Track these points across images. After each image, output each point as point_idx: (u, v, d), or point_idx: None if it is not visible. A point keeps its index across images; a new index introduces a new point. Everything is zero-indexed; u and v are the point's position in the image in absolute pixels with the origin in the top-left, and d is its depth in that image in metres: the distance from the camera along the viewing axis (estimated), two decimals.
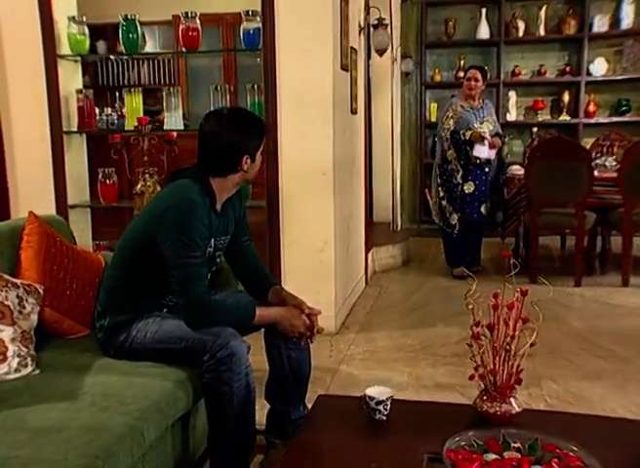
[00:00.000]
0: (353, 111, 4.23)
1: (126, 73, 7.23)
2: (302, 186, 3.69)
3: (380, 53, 4.82)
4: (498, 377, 1.96)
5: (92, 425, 1.61)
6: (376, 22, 4.69)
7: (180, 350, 2.04)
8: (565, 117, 7.08)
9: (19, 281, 2.07)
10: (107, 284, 2.17)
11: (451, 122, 4.86)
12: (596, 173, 5.01)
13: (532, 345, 1.97)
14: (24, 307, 2.03)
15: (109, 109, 4.31)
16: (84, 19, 3.79)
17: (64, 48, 3.78)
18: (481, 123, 4.88)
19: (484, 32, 7.13)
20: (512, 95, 7.17)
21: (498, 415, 1.92)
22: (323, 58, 3.57)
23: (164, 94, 3.76)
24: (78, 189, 3.98)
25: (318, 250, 3.74)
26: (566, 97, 7.09)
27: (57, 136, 3.74)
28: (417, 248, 6.28)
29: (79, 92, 3.82)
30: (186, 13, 3.67)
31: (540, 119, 7.16)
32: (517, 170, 5.39)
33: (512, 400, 1.96)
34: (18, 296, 2.01)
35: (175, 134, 3.48)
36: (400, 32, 7.16)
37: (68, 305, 2.27)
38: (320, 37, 3.56)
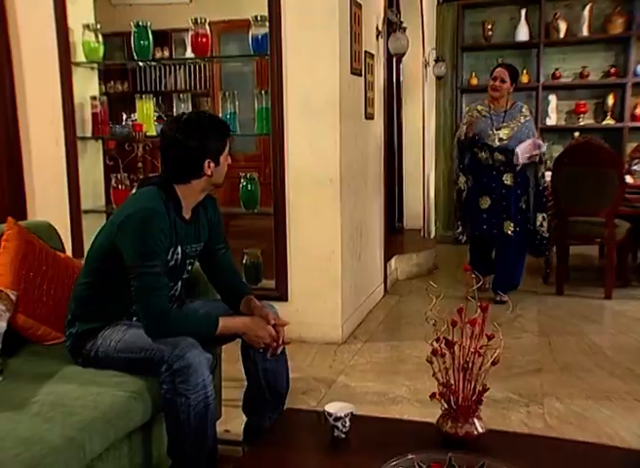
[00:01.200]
0: (368, 116, 4.15)
1: (163, 79, 7.33)
2: (309, 193, 3.64)
3: (398, 57, 4.71)
4: (458, 396, 1.86)
5: (28, 436, 1.59)
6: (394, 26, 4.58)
7: (139, 360, 2.02)
8: (609, 121, 6.80)
9: None
10: (77, 292, 2.17)
11: (463, 128, 4.44)
12: (631, 179, 4.78)
13: (494, 364, 1.87)
14: None
15: (135, 115, 4.37)
16: (98, 26, 3.84)
17: (80, 55, 3.84)
18: (497, 129, 4.34)
19: (523, 34, 6.91)
20: (552, 98, 6.93)
21: (459, 436, 1.83)
22: (330, 62, 3.51)
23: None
24: (93, 194, 4.04)
25: (325, 258, 3.68)
26: (610, 100, 6.81)
27: (70, 141, 3.80)
28: (448, 255, 6.14)
29: (93, 98, 3.87)
30: (196, 19, 3.68)
31: (581, 123, 6.89)
32: (547, 176, 5.19)
33: (476, 420, 1.86)
34: None
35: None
36: (435, 35, 7.04)
37: (44, 312, 2.28)
38: (327, 42, 3.50)
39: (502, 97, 4.34)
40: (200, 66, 7.24)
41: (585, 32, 6.76)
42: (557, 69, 6.91)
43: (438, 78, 6.73)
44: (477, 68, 7.15)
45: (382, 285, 4.79)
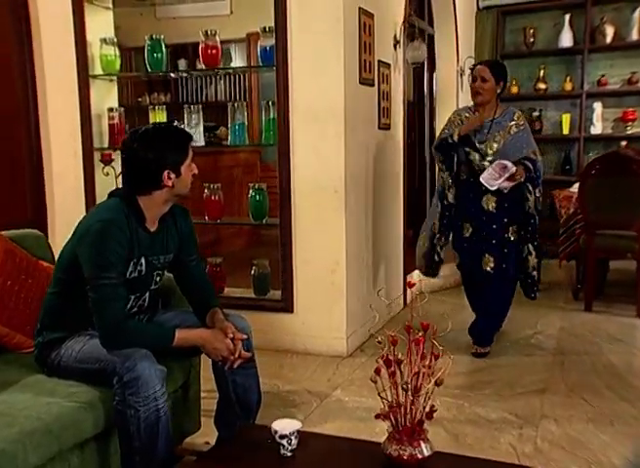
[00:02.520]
0: (383, 127, 4.08)
1: (204, 90, 7.46)
2: (314, 204, 3.60)
3: (415, 66, 4.62)
4: (401, 418, 1.79)
5: None
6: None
7: (94, 371, 2.02)
8: None
9: None
10: (45, 301, 2.20)
11: (442, 133, 3.63)
12: None
13: (437, 384, 1.79)
14: None
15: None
16: (115, 40, 3.93)
17: (98, 68, 3.94)
18: (481, 142, 3.45)
19: (567, 40, 6.68)
20: (597, 106, 6.65)
21: (403, 459, 1.76)
22: (335, 72, 3.48)
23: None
24: None
25: (329, 270, 3.64)
26: None
27: (88, 152, 3.90)
28: None
29: (110, 110, 3.95)
30: (206, 31, 3.71)
31: (629, 131, 6.60)
32: (575, 188, 4.98)
33: (422, 442, 1.78)
34: None
35: None
36: (474, 43, 6.89)
37: (20, 320, 2.32)
38: (332, 52, 3.47)
39: (488, 103, 3.45)
40: (239, 77, 7.34)
41: (635, 36, 6.47)
42: (603, 76, 6.64)
43: None
44: (518, 76, 6.95)
45: (402, 297, 4.69)
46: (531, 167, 3.43)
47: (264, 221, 3.76)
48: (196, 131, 3.77)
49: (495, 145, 3.46)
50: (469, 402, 3.09)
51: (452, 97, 6.17)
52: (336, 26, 3.46)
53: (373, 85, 3.89)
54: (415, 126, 5.98)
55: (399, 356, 1.84)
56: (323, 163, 3.55)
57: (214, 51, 3.70)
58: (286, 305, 3.71)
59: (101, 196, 3.99)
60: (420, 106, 5.98)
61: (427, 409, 1.81)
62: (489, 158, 3.44)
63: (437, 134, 6.20)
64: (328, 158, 3.54)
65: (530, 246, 3.54)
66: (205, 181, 3.93)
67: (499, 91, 3.47)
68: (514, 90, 6.87)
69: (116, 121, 3.92)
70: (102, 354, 2.02)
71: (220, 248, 4.59)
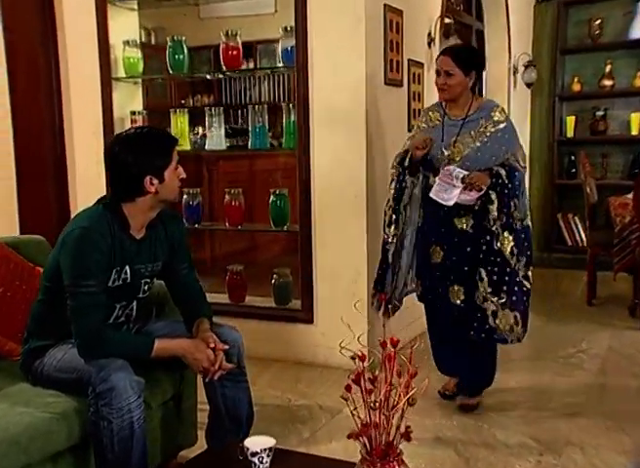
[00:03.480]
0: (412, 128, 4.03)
1: (248, 91, 7.56)
2: (335, 210, 3.59)
3: None
4: (375, 438, 1.76)
5: None
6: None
7: (71, 381, 2.08)
8: None
9: None
10: (32, 309, 2.26)
11: (406, 144, 3.08)
12: None
13: (410, 404, 1.75)
14: None
15: (200, 129, 4.52)
16: (137, 42, 4.04)
17: (122, 71, 4.06)
18: (447, 147, 2.92)
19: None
20: None
21: None
22: (357, 73, 3.46)
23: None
24: None
25: (351, 279, 3.62)
26: None
27: None
28: (537, 279, 5.79)
29: (133, 113, 4.06)
30: (227, 31, 3.77)
31: None
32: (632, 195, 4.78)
33: (396, 465, 1.75)
34: None
35: None
36: (532, 38, 6.72)
37: (12, 327, 2.40)
38: (354, 52, 3.45)
39: (460, 97, 2.92)
40: (284, 77, 7.40)
41: None
42: None
43: (528, 85, 6.40)
44: (581, 73, 6.73)
45: None
46: (502, 172, 2.84)
47: (285, 228, 3.78)
48: (216, 134, 3.83)
49: (464, 150, 2.90)
50: (490, 423, 3.01)
51: (502, 96, 6.04)
52: (357, 25, 3.44)
53: (401, 85, 3.85)
54: None
55: (376, 372, 1.82)
56: (344, 167, 3.54)
57: (234, 52, 3.75)
58: (306, 316, 3.72)
59: None
60: None
61: (403, 430, 1.77)
62: (464, 161, 2.91)
63: None
64: (349, 162, 3.53)
65: (482, 270, 2.88)
66: (239, 186, 4.00)
67: (471, 83, 2.92)
68: (576, 88, 6.66)
69: (139, 124, 4.01)
70: (80, 364, 2.07)
71: (241, 255, 4.64)
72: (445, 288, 3.00)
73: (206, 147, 3.90)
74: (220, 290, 3.97)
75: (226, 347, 2.22)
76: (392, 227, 3.03)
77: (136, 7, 4.13)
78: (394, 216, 3.03)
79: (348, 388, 1.80)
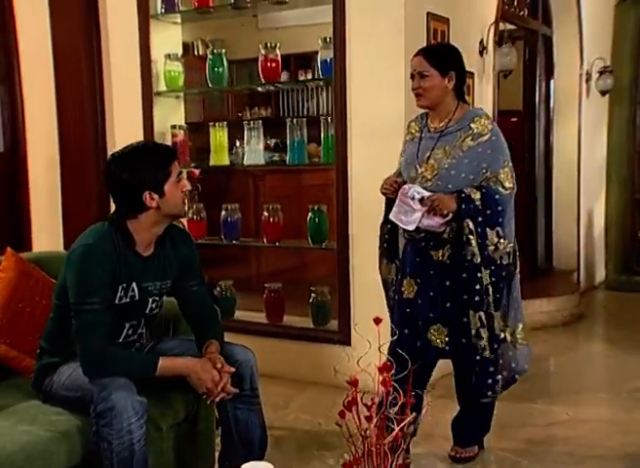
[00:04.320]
0: None
1: (305, 103, 7.65)
2: (374, 228, 3.56)
3: (505, 74, 4.48)
4: None
5: None
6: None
7: (76, 399, 2.14)
8: None
9: None
10: (46, 326, 2.36)
11: (397, 165, 2.88)
12: None
13: (403, 437, 1.72)
14: None
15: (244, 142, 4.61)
16: (179, 55, 4.17)
17: (163, 85, 4.20)
18: (421, 164, 2.66)
19: None
20: None
21: None
22: (396, 85, 3.45)
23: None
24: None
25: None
26: None
27: None
28: (614, 304, 5.65)
29: (173, 127, 4.18)
30: (266, 43, 3.84)
31: None
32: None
33: None
34: None
35: (197, 171, 3.65)
36: (612, 42, 6.52)
37: (30, 343, 2.49)
38: (393, 63, 3.46)
39: (440, 104, 2.66)
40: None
41: None
42: None
43: (602, 93, 6.21)
44: None
45: None
46: (475, 196, 2.54)
47: (323, 245, 3.80)
48: (255, 148, 3.89)
49: (437, 167, 2.61)
50: (530, 459, 2.92)
51: (572, 105, 5.89)
52: (397, 35, 3.45)
53: None
54: (524, 140, 5.78)
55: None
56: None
57: (273, 64, 3.82)
58: (343, 337, 3.70)
59: None
60: (530, 118, 5.77)
61: (400, 463, 1.76)
62: (428, 185, 2.62)
63: (553, 148, 6.00)
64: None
65: (481, 314, 2.60)
66: (283, 201, 4.05)
67: (450, 85, 2.62)
68: None
69: (179, 139, 4.13)
70: (85, 382, 2.13)
71: (280, 272, 4.69)
72: (422, 327, 2.69)
73: (244, 162, 3.97)
74: (257, 308, 4.02)
75: (233, 370, 2.25)
76: (384, 264, 2.90)
77: (179, 21, 4.26)
78: (380, 252, 2.91)
79: (342, 414, 1.80)
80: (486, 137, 2.60)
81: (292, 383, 3.75)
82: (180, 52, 4.25)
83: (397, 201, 2.64)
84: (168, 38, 4.23)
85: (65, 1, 4.22)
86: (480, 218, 2.55)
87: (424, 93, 2.63)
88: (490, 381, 2.68)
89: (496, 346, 2.66)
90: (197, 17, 4.28)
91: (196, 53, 7.18)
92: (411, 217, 2.59)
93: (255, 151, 3.92)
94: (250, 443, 2.39)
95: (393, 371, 1.88)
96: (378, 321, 1.94)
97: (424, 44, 3.62)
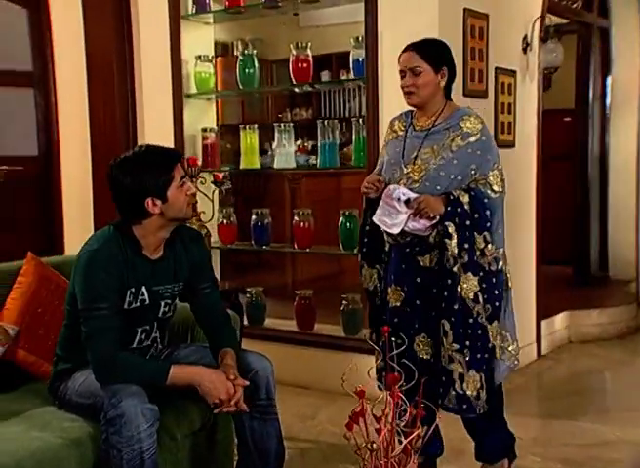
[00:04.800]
0: (501, 144, 3.94)
1: (347, 104, 7.67)
2: None
3: (549, 72, 4.42)
4: None
5: None
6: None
7: (87, 406, 2.21)
8: None
9: None
10: (60, 332, 2.43)
11: (377, 167, 2.82)
12: None
13: (413, 450, 1.73)
14: None
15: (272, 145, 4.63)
16: (210, 57, 4.24)
17: (194, 87, 4.28)
18: (406, 164, 2.58)
19: None
20: None
21: None
22: None
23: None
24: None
25: None
26: None
27: None
28: None
29: (204, 130, 4.26)
30: (297, 43, 3.88)
31: None
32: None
33: None
34: None
35: (221, 175, 3.69)
36: None
37: (48, 349, 2.58)
38: None
39: (430, 102, 2.60)
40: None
41: None
42: None
43: None
44: None
45: (535, 346, 4.48)
46: (464, 199, 2.48)
47: (355, 251, 3.80)
48: (286, 151, 3.93)
49: (424, 168, 2.54)
50: None
51: (632, 103, 5.77)
52: (430, 33, 3.41)
53: (485, 97, 3.81)
54: (577, 140, 5.69)
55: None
56: None
57: (305, 65, 3.85)
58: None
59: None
60: (583, 116, 5.68)
61: None
62: (414, 187, 2.53)
63: (609, 148, 5.89)
64: None
65: (445, 322, 2.51)
66: (317, 205, 4.09)
67: (442, 83, 2.58)
68: None
69: (210, 141, 4.20)
70: (97, 389, 2.19)
71: (311, 279, 4.72)
72: (409, 338, 2.53)
73: (275, 166, 4.02)
74: (288, 315, 4.06)
75: (247, 383, 2.27)
76: (364, 269, 2.79)
77: (211, 21, 4.34)
78: (360, 259, 2.80)
79: (350, 426, 1.81)
80: (475, 138, 2.54)
81: (321, 393, 3.77)
82: (211, 53, 4.33)
83: (381, 202, 2.53)
84: (199, 39, 4.32)
85: (98, 4, 4.35)
86: (468, 222, 2.49)
87: (417, 90, 2.57)
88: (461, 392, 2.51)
89: (487, 356, 2.56)
90: (231, 16, 4.34)
91: (236, 53, 7.30)
92: (395, 220, 2.50)
93: (286, 154, 3.96)
94: (266, 454, 2.41)
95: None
96: (386, 330, 1.94)
97: (461, 42, 3.62)
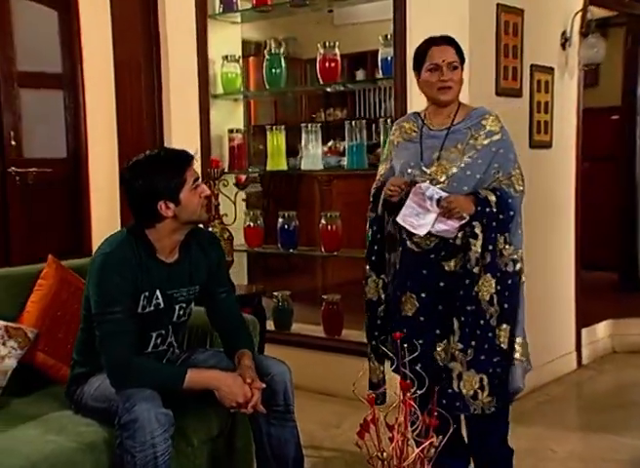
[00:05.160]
0: (537, 145, 3.93)
1: (383, 103, 7.68)
2: None
3: (590, 68, 4.36)
4: None
5: None
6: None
7: (102, 410, 2.25)
8: None
9: (3, 323, 2.50)
10: (77, 336, 2.49)
11: (381, 171, 2.75)
12: None
13: (425, 459, 1.73)
14: None
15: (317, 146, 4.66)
16: (236, 57, 4.29)
17: (220, 87, 4.33)
18: (428, 165, 2.54)
19: None
20: None
21: None
22: None
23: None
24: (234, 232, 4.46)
25: None
26: None
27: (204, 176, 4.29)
28: None
29: (230, 131, 4.30)
30: (324, 42, 3.90)
31: None
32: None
33: None
34: None
35: (244, 177, 3.72)
36: None
37: (68, 352, 2.65)
38: None
39: (454, 101, 2.61)
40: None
41: None
42: None
43: None
44: None
45: (575, 355, 4.43)
46: (492, 199, 2.47)
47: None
48: (313, 152, 3.96)
49: (450, 168, 2.52)
50: None
51: None
52: (460, 30, 3.41)
53: (519, 95, 3.78)
54: (623, 138, 5.61)
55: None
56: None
57: (332, 64, 3.87)
58: None
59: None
60: (630, 114, 5.60)
61: None
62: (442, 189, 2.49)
63: None
64: None
65: (455, 321, 2.50)
66: (352, 209, 4.10)
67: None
68: None
69: (236, 143, 4.24)
70: (112, 393, 2.24)
71: (339, 283, 4.73)
72: (425, 346, 2.48)
73: (302, 167, 4.05)
74: (315, 321, 4.08)
75: (263, 386, 2.30)
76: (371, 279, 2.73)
77: (238, 20, 4.39)
78: (369, 269, 2.73)
79: (361, 434, 1.83)
80: (497, 136, 2.55)
81: (348, 401, 3.74)
82: (238, 52, 4.37)
83: (408, 201, 2.46)
84: (226, 38, 4.37)
85: (126, 5, 4.43)
86: (494, 223, 2.47)
87: (454, 86, 2.54)
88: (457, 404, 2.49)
89: (496, 359, 2.54)
90: (260, 15, 4.37)
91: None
92: (423, 221, 2.43)
93: (313, 155, 3.98)
94: (284, 460, 2.43)
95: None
96: (397, 336, 1.95)
97: (494, 39, 3.61)
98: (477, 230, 2.45)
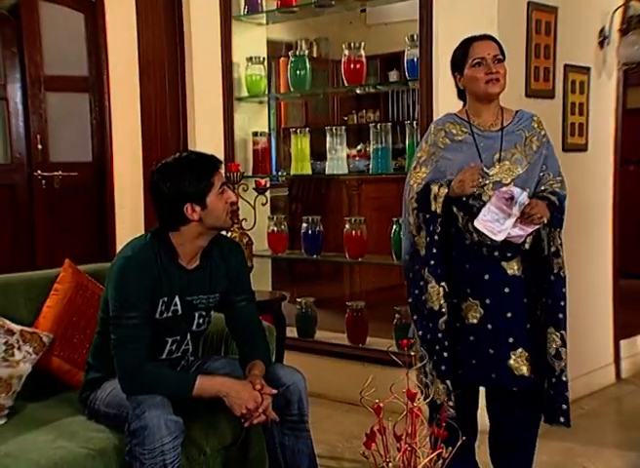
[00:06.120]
0: (570, 148, 3.89)
1: (416, 105, 7.66)
2: None
3: (630, 67, 4.30)
4: None
5: None
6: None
7: (113, 416, 2.31)
8: None
9: (19, 328, 2.59)
10: (93, 340, 2.55)
11: (421, 175, 2.62)
12: None
13: None
14: (13, 355, 2.51)
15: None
16: (261, 58, 4.33)
17: (244, 90, 4.39)
18: (489, 166, 2.55)
19: None
20: None
21: None
22: None
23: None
24: (258, 238, 4.49)
25: None
26: None
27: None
28: None
29: (255, 134, 4.35)
30: (349, 43, 3.92)
31: None
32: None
33: None
34: (7, 343, 2.53)
35: (264, 181, 3.75)
36: None
37: (84, 357, 2.71)
38: None
39: (498, 96, 2.65)
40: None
41: None
42: None
43: None
44: None
45: (613, 367, 4.38)
46: (557, 203, 2.54)
47: None
48: (338, 156, 3.99)
49: (515, 169, 2.56)
50: None
51: None
52: (488, 30, 3.40)
53: (552, 97, 3.76)
54: None
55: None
56: None
57: (358, 65, 3.90)
58: None
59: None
60: None
61: None
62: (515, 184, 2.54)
63: None
64: None
65: (562, 333, 2.56)
66: (379, 212, 4.13)
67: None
68: None
69: (261, 146, 4.29)
70: (123, 399, 2.29)
71: (363, 290, 4.74)
72: (500, 358, 2.55)
73: (326, 171, 4.08)
74: (339, 328, 4.09)
75: (274, 391, 2.34)
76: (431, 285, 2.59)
77: (264, 21, 4.44)
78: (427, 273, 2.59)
79: (368, 445, 1.84)
80: (545, 139, 2.65)
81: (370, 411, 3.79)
82: (263, 54, 4.42)
83: (488, 206, 2.43)
84: (251, 40, 4.43)
85: (151, 8, 4.51)
86: (559, 229, 2.56)
87: (502, 79, 2.59)
88: (565, 407, 2.58)
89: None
90: (287, 16, 4.42)
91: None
92: (502, 226, 2.40)
93: (337, 159, 4.01)
94: None
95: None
96: (405, 344, 1.97)
97: (524, 39, 3.60)
98: (543, 234, 2.55)
